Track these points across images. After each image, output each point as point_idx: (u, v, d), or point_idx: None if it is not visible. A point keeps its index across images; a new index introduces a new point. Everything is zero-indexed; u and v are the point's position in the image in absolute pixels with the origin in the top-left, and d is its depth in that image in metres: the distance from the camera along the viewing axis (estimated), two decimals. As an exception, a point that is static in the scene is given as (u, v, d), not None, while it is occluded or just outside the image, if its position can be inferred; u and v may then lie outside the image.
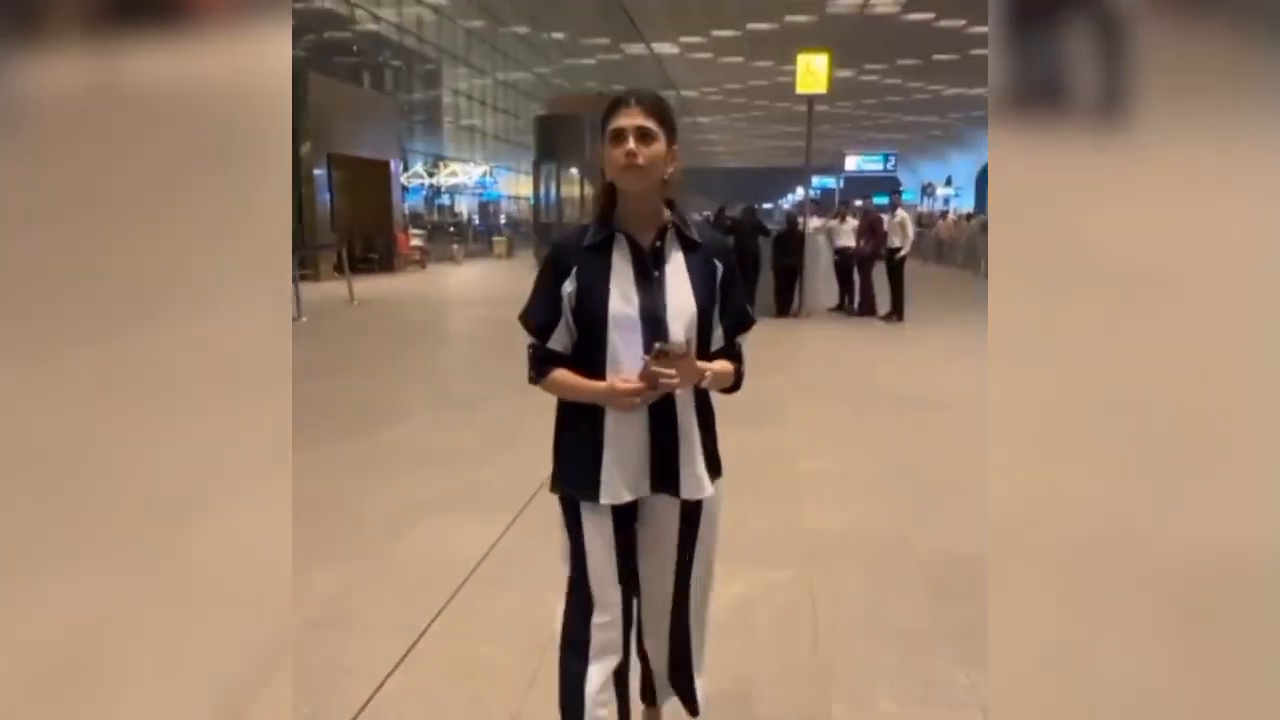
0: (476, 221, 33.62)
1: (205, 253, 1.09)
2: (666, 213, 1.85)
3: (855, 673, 2.70)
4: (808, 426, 5.78)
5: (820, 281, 12.13)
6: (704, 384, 1.82)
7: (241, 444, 1.14)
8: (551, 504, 1.93)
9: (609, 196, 1.83)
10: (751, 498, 4.21)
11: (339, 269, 14.25)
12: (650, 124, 1.75)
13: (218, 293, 1.11)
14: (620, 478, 1.81)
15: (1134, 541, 1.07)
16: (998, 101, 1.14)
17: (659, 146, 1.75)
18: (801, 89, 11.48)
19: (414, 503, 4.24)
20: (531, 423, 5.64)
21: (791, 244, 11.58)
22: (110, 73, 0.99)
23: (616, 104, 1.77)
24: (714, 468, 1.92)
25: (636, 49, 36.42)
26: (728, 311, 1.89)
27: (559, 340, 1.83)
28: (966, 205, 44.50)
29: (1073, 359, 1.11)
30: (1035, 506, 1.13)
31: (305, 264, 15.37)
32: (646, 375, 1.70)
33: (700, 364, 1.79)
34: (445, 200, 32.16)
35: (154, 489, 1.04)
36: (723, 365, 1.86)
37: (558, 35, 37.31)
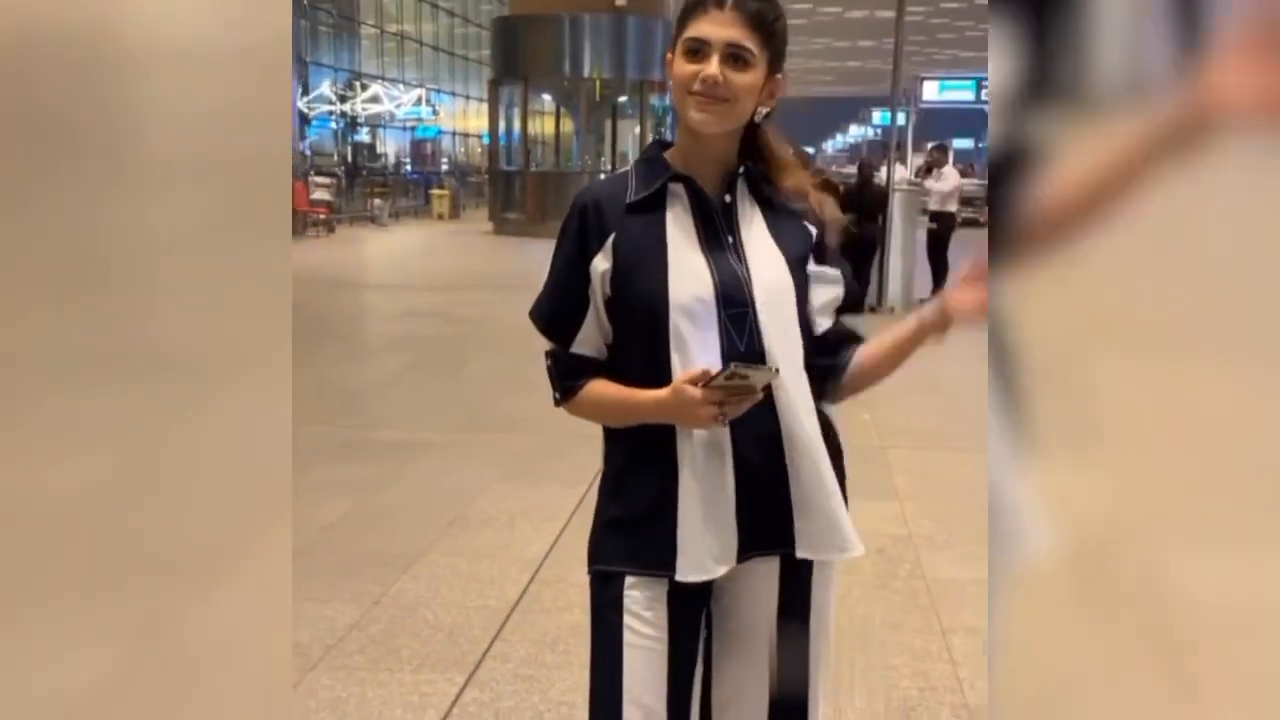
0: (408, 167, 33.14)
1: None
2: (737, 161, 1.81)
3: None
4: (928, 496, 5.20)
5: (910, 261, 11.72)
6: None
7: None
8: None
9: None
10: (865, 635, 3.55)
11: (206, 233, 13.53)
12: (747, 41, 1.67)
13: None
14: (705, 541, 1.71)
15: (1213, 638, 1.19)
16: (998, 97, 1.39)
17: (753, 75, 1.69)
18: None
19: (293, 651, 3.37)
20: (489, 486, 5.20)
21: (867, 205, 11.06)
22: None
23: (703, 1, 1.70)
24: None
25: (633, -71, 35.87)
26: (846, 289, 1.88)
27: (588, 343, 1.77)
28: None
29: (1127, 411, 1.28)
30: (1080, 595, 1.30)
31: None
32: (708, 396, 1.63)
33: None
34: (363, 136, 31.54)
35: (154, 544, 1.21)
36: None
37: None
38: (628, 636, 1.74)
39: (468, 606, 3.76)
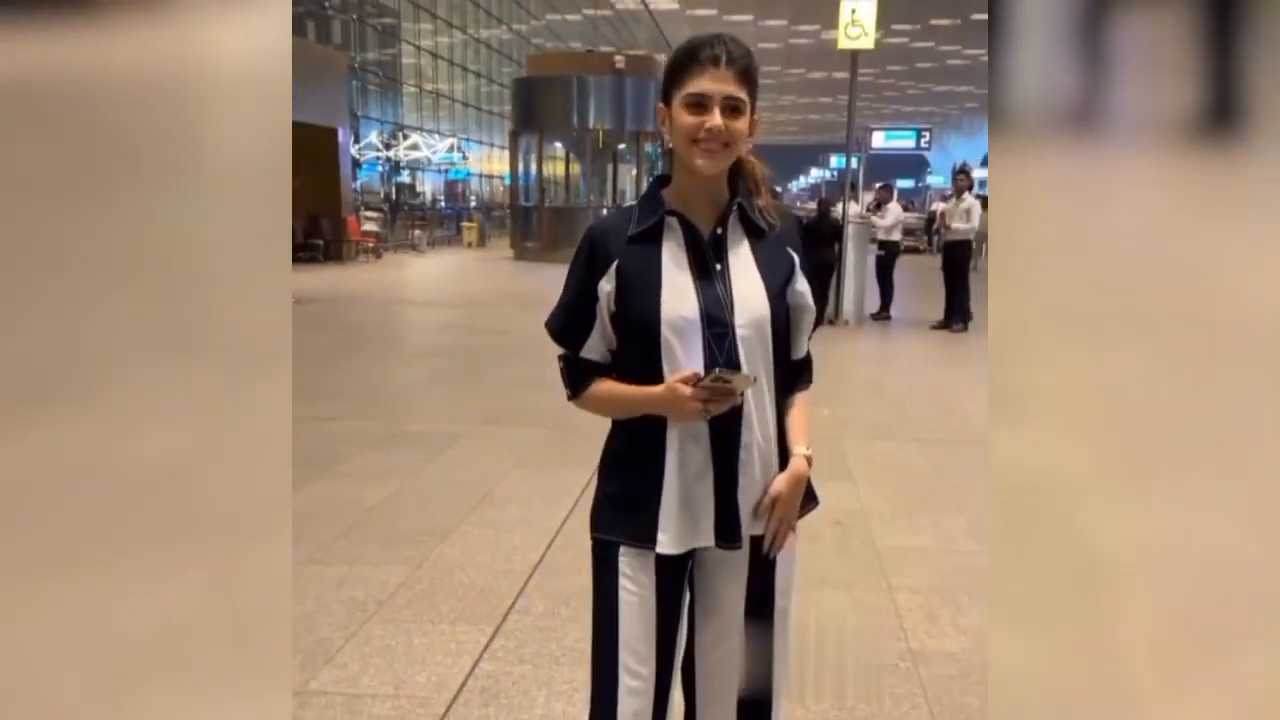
0: (443, 204, 32.95)
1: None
2: (727, 192, 1.72)
3: None
4: (877, 478, 5.14)
5: (861, 282, 11.57)
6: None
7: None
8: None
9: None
10: (825, 592, 3.50)
11: (273, 259, 13.39)
12: (740, 93, 1.61)
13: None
14: (683, 520, 1.68)
15: (1135, 549, 1.20)
16: (998, 113, 1.36)
17: (745, 121, 1.64)
18: (844, 46, 10.71)
19: (344, 607, 3.39)
20: (510, 471, 5.11)
21: (825, 235, 10.92)
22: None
23: (698, 57, 1.61)
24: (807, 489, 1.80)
25: (630, 2, 35.72)
26: (809, 310, 1.79)
27: (594, 349, 1.73)
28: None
29: (1073, 365, 1.28)
30: (1036, 515, 1.26)
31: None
32: (696, 394, 1.60)
33: (803, 481, 1.76)
34: (405, 178, 31.36)
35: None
36: (806, 419, 1.80)
37: (538, -13, 36.55)
38: (623, 595, 1.70)
39: (495, 570, 3.72)
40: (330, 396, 6.82)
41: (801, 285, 1.75)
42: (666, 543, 1.68)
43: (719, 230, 1.69)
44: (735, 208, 1.70)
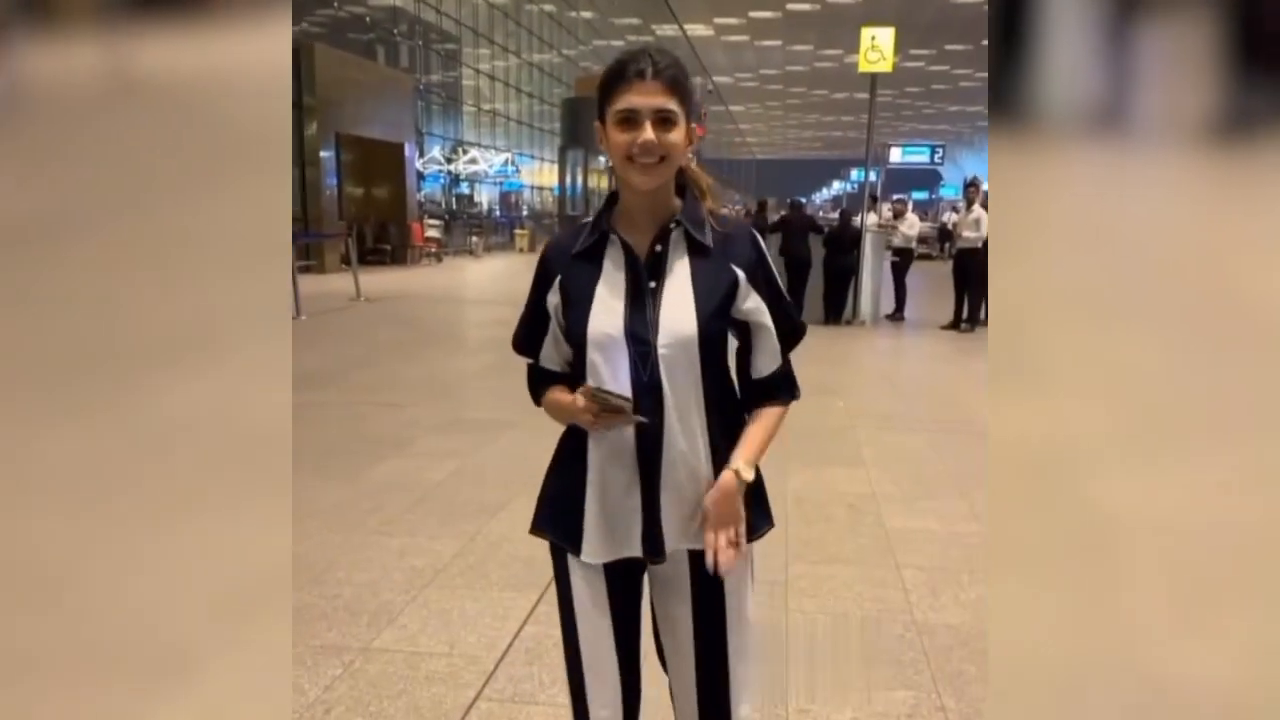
0: (497, 212, 33.09)
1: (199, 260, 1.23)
2: (677, 203, 1.55)
3: None
4: (887, 464, 5.06)
5: (877, 285, 11.42)
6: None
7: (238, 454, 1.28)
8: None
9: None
10: (837, 568, 3.45)
11: (346, 260, 13.58)
12: (671, 104, 1.45)
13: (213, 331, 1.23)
14: (604, 531, 1.55)
15: (1132, 540, 1.15)
16: (997, 114, 1.29)
17: (679, 132, 1.46)
18: (864, 68, 10.59)
19: (405, 575, 3.43)
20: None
21: (846, 243, 10.79)
22: (122, 64, 1.24)
23: (624, 73, 1.45)
24: (758, 510, 1.61)
25: (669, 30, 35.65)
26: (779, 324, 1.58)
27: (550, 359, 1.63)
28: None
29: (1069, 362, 1.23)
30: (1033, 507, 1.21)
31: (309, 254, 14.69)
32: (588, 407, 1.49)
33: (730, 496, 1.52)
34: (464, 189, 31.51)
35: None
36: (761, 435, 1.58)
37: (586, 15, 36.55)
38: (578, 605, 1.61)
39: (539, 543, 3.73)
40: (402, 386, 6.92)
41: (751, 303, 1.56)
42: (590, 552, 1.57)
43: (658, 248, 1.53)
44: (675, 225, 1.54)
